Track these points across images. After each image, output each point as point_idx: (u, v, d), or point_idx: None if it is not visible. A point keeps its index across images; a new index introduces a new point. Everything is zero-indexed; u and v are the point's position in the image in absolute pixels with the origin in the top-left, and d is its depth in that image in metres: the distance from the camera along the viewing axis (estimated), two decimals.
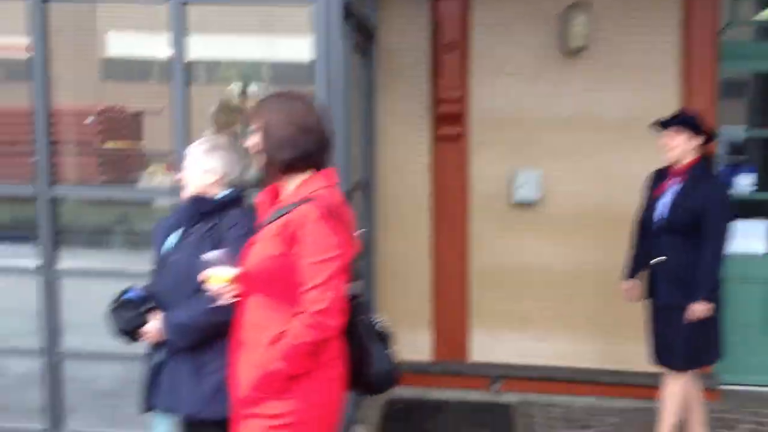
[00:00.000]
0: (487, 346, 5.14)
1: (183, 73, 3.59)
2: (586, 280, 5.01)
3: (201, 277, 2.43)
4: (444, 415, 4.72)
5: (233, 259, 2.44)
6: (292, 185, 2.42)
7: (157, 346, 2.94)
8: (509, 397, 5.01)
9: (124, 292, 2.96)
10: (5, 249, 4.07)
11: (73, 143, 9.03)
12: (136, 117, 11.03)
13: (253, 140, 2.44)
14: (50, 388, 3.87)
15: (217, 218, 2.92)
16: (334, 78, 3.50)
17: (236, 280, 2.41)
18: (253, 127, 2.44)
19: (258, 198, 2.52)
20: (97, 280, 4.05)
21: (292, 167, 2.40)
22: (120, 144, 10.56)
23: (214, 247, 2.88)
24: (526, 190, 4.96)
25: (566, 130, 4.97)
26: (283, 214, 2.33)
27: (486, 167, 5.04)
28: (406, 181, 5.10)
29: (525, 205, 5.03)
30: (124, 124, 10.93)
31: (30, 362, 4.62)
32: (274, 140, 2.37)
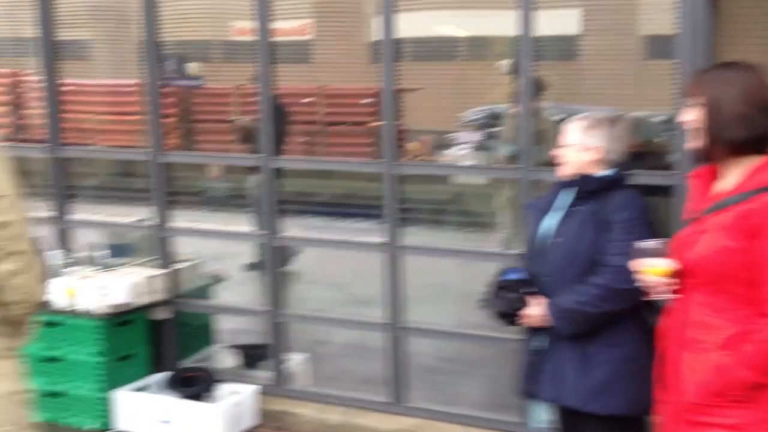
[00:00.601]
0: None
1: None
2: None
3: (636, 267, 2.24)
4: None
5: (667, 250, 2.22)
6: (740, 169, 2.15)
7: (535, 331, 2.83)
8: None
9: (504, 272, 2.87)
10: (348, 224, 4.22)
11: (349, 123, 9.49)
12: (396, 95, 11.27)
13: (692, 116, 2.19)
14: (394, 362, 3.92)
15: (602, 199, 2.74)
16: (702, 53, 3.23)
17: (676, 273, 2.19)
18: (692, 101, 2.20)
19: (691, 181, 2.27)
20: (439, 258, 4.09)
21: (741, 149, 2.13)
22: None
23: (599, 229, 2.70)
24: None
25: None
26: (738, 202, 2.07)
27: None
28: None
29: None
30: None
31: (346, 332, 4.77)
32: (725, 117, 2.12)
